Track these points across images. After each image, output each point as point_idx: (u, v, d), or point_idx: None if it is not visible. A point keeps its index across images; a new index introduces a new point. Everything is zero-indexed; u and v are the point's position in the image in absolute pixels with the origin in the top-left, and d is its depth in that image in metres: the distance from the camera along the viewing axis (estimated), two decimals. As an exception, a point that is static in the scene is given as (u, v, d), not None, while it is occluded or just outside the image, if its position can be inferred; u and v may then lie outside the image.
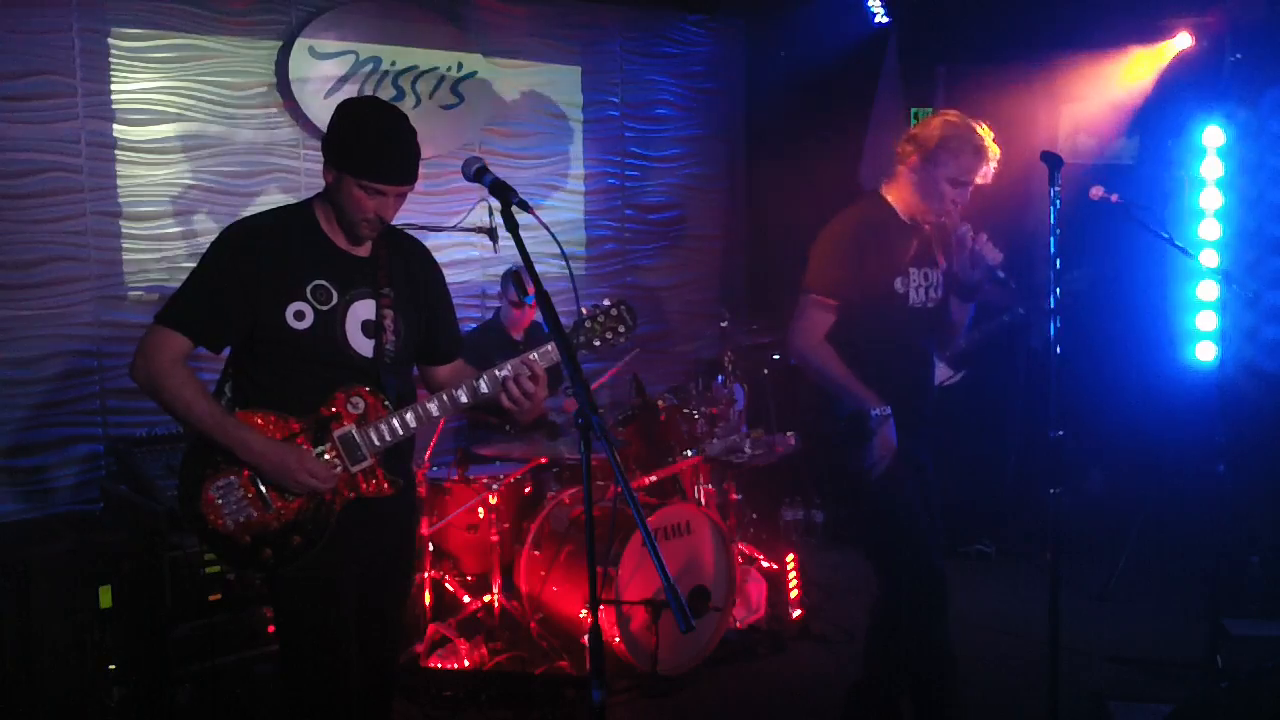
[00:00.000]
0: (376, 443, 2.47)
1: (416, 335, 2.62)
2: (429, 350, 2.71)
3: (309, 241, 2.49)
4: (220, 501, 2.40)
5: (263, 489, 2.42)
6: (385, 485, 2.52)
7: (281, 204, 4.53)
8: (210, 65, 4.66)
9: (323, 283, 2.46)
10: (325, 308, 2.45)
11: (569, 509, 4.32)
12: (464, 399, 2.54)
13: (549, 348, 2.54)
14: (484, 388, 2.54)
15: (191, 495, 2.41)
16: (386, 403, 2.50)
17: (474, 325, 5.23)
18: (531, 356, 2.54)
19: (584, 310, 2.64)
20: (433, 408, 2.53)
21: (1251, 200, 5.16)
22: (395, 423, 2.48)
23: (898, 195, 3.15)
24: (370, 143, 2.40)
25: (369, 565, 2.57)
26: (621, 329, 2.63)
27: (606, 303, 2.66)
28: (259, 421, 2.42)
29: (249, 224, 2.51)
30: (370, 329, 2.50)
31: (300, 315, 2.42)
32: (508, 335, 4.92)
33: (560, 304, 5.06)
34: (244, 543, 2.41)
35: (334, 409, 2.46)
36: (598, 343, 2.63)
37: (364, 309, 2.50)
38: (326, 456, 2.45)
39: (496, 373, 2.54)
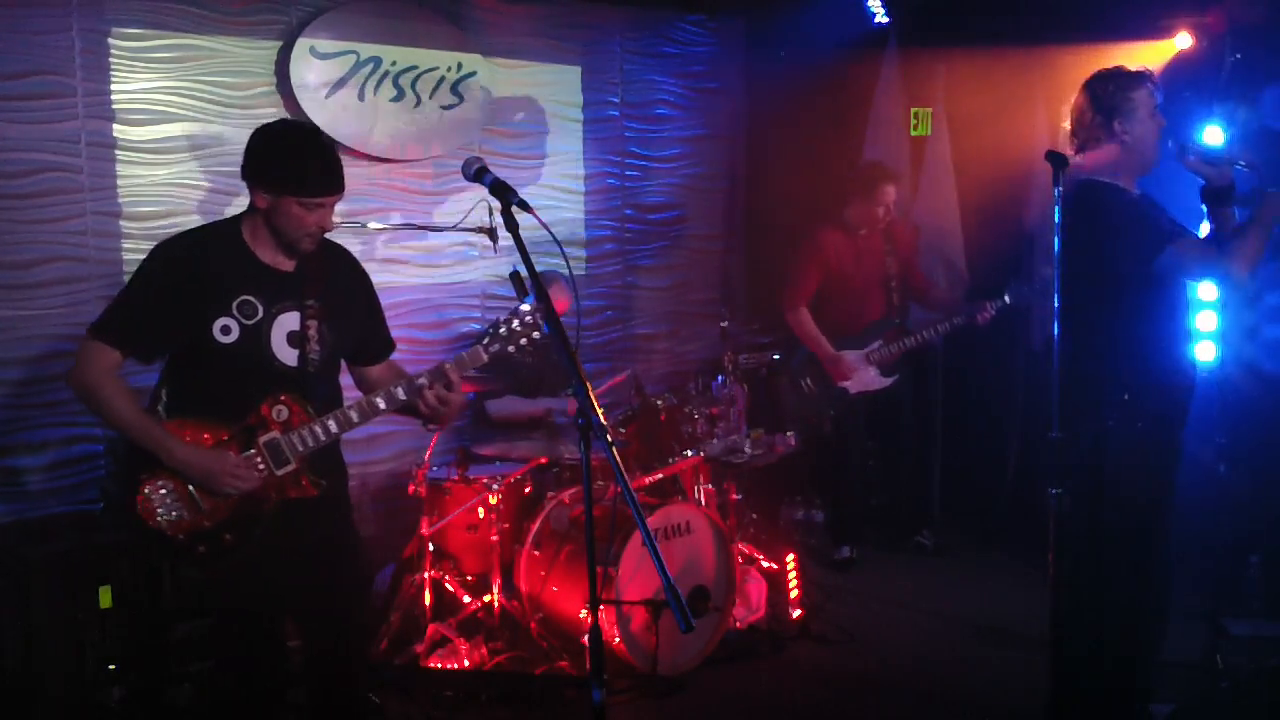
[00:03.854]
0: (300, 448, 2.65)
1: (344, 342, 2.80)
2: (360, 352, 2.90)
3: (236, 259, 2.65)
4: (155, 502, 2.59)
5: (193, 491, 2.60)
6: (310, 488, 2.70)
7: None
8: (210, 65, 4.65)
9: (249, 298, 2.63)
10: (251, 322, 2.62)
11: (569, 509, 4.32)
12: (382, 405, 2.72)
13: (465, 356, 2.74)
14: (401, 395, 2.72)
15: (129, 495, 2.59)
16: (310, 410, 2.68)
17: (478, 325, 5.23)
18: (447, 366, 2.73)
19: (499, 318, 2.83)
20: (354, 414, 2.70)
21: (1251, 200, 5.15)
22: (318, 429, 2.67)
23: (1120, 162, 3.15)
24: (303, 162, 2.58)
25: (308, 563, 2.73)
26: (535, 335, 2.78)
27: (523, 308, 2.80)
28: (188, 431, 2.60)
29: (178, 242, 2.69)
30: (295, 339, 2.67)
31: (227, 330, 2.59)
32: None
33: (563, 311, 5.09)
34: (178, 540, 2.60)
35: (260, 417, 2.64)
36: (512, 348, 2.78)
37: (289, 321, 2.67)
38: (252, 461, 2.62)
39: (415, 381, 2.72)
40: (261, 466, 2.62)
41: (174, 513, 2.59)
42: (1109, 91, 3.14)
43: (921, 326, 5.26)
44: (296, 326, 2.67)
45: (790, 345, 5.45)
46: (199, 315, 2.58)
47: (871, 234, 5.26)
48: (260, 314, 2.63)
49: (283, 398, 2.65)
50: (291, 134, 2.66)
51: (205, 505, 2.60)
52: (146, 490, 2.58)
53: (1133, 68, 3.19)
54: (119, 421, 2.59)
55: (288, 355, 2.66)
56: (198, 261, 2.62)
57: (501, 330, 2.78)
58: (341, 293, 2.78)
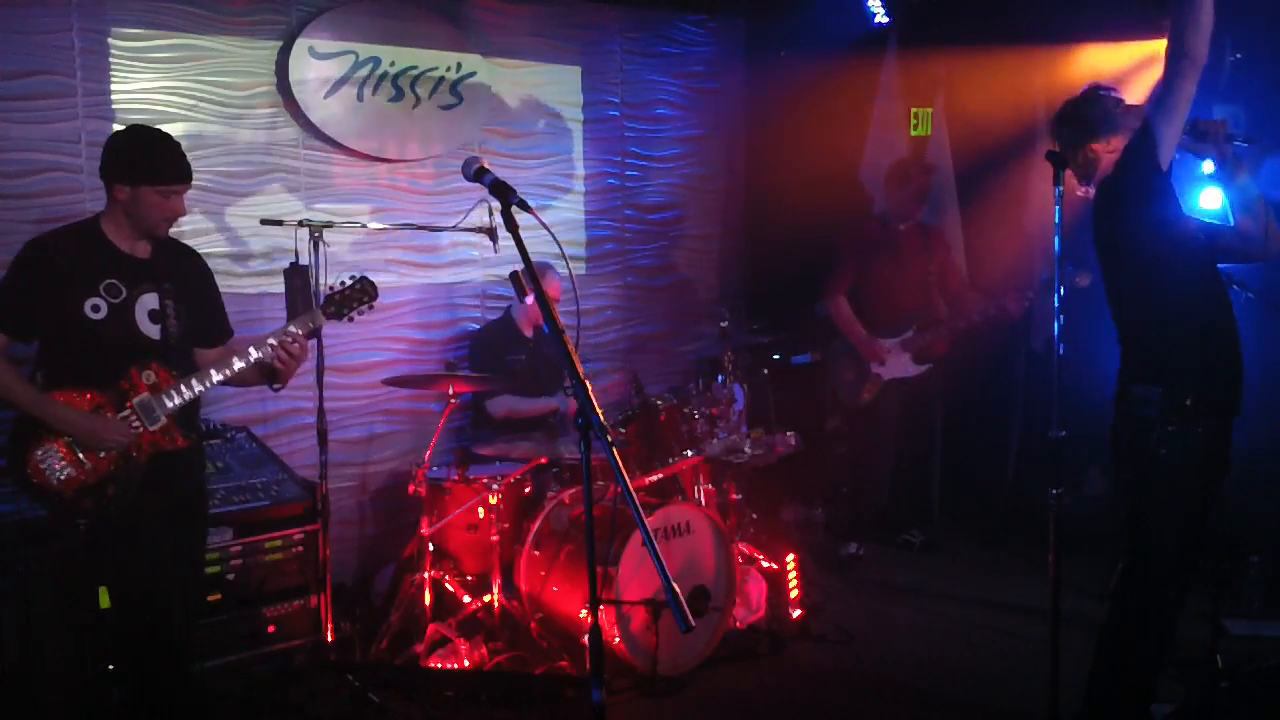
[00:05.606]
0: (169, 405, 3.02)
1: (196, 321, 3.18)
2: (205, 335, 3.26)
3: (99, 249, 3.03)
4: (43, 465, 2.92)
5: (77, 451, 2.94)
6: (179, 440, 3.07)
7: (284, 202, 4.59)
8: (210, 65, 4.65)
9: (113, 281, 3.00)
10: (116, 301, 2.99)
11: (569, 509, 4.32)
12: (239, 364, 3.11)
13: (306, 319, 3.18)
14: (254, 353, 3.13)
15: (19, 463, 2.93)
16: (175, 373, 3.05)
17: (477, 325, 5.23)
18: (291, 325, 3.16)
19: (331, 286, 3.29)
20: (214, 373, 3.09)
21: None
22: (184, 387, 3.05)
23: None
24: (159, 156, 3.00)
25: (178, 510, 3.09)
26: (365, 299, 3.30)
27: (349, 279, 3.29)
28: (69, 397, 2.94)
29: (48, 238, 3.06)
30: (157, 316, 3.06)
31: (96, 308, 2.96)
32: (519, 331, 4.94)
33: (561, 304, 5.09)
34: (68, 497, 2.94)
35: (131, 381, 3.00)
36: (346, 310, 3.27)
37: (150, 300, 3.05)
38: (128, 420, 2.96)
39: (266, 340, 3.13)
40: (136, 424, 2.98)
41: (63, 473, 2.93)
42: (1071, 127, 3.15)
43: (954, 316, 5.32)
44: (156, 305, 3.05)
45: (827, 336, 5.62)
46: (70, 295, 2.94)
47: (910, 230, 5.43)
48: (124, 294, 3.01)
49: (150, 365, 3.02)
50: (147, 134, 3.08)
51: (88, 462, 2.94)
52: (37, 454, 2.92)
53: (1078, 92, 3.20)
54: (10, 395, 2.94)
55: (151, 330, 3.04)
56: (63, 251, 3.00)
57: (336, 297, 3.26)
58: (189, 280, 3.19)
